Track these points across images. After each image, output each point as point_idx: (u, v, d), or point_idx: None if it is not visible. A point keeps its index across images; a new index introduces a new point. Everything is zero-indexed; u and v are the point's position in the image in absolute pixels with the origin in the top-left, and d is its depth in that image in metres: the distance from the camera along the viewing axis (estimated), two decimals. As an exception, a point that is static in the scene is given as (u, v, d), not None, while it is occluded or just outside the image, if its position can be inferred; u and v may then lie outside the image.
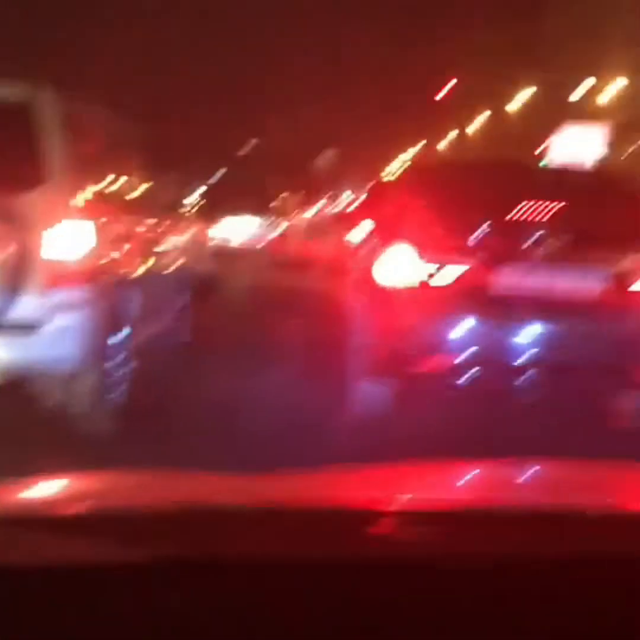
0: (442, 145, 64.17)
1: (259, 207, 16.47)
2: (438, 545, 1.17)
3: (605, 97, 44.09)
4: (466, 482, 1.69)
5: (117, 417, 4.67)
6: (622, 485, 1.62)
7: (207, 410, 5.01)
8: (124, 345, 4.99)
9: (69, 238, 4.47)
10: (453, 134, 64.61)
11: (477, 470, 1.75)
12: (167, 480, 1.58)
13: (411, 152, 62.86)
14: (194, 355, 6.73)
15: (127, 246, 5.29)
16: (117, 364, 4.86)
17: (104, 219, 4.90)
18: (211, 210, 13.40)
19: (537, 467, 1.74)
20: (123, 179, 5.75)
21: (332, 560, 1.14)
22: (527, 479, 1.69)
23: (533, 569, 1.14)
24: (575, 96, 46.89)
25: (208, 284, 9.64)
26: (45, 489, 1.48)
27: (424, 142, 64.25)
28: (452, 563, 1.13)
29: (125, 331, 5.01)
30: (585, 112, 44.79)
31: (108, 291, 4.77)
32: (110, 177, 5.43)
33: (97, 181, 5.15)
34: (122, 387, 4.91)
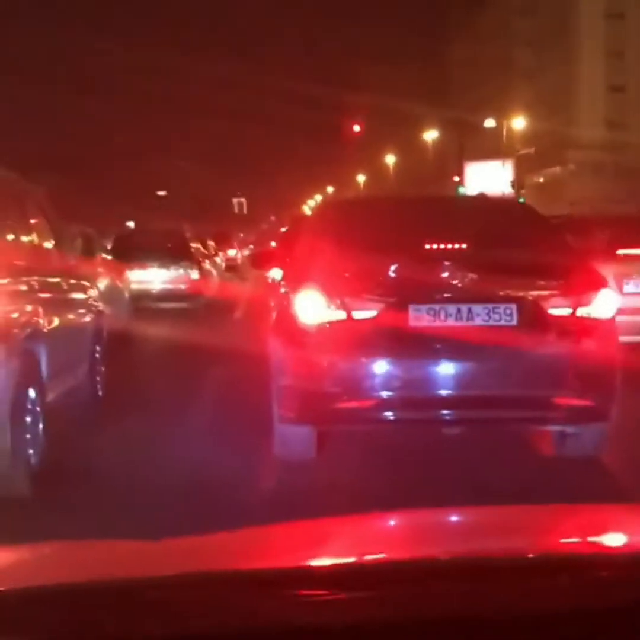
0: (353, 187, 65.27)
1: (176, 252, 16.28)
2: (368, 607, 1.11)
3: (510, 134, 45.66)
4: (393, 535, 1.63)
5: (32, 480, 4.47)
6: (552, 528, 1.58)
7: (121, 467, 4.81)
8: (36, 404, 4.80)
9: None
10: (362, 176, 65.85)
11: (402, 522, 1.69)
12: (79, 551, 1.50)
13: (323, 194, 63.86)
14: (107, 410, 6.50)
15: (36, 301, 5.12)
16: (29, 423, 4.67)
17: (7, 278, 4.73)
18: (126, 258, 13.20)
19: (463, 515, 1.69)
20: (26, 234, 5.58)
21: (255, 628, 1.08)
22: (452, 529, 1.63)
23: (464, 627, 1.09)
24: (480, 134, 48.35)
25: (123, 334, 9.40)
26: None
27: (331, 188, 65.43)
28: (382, 625, 1.08)
29: (37, 389, 4.83)
30: (491, 148, 46.25)
31: (17, 349, 4.60)
32: (11, 234, 5.25)
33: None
34: (35, 448, 4.72)
